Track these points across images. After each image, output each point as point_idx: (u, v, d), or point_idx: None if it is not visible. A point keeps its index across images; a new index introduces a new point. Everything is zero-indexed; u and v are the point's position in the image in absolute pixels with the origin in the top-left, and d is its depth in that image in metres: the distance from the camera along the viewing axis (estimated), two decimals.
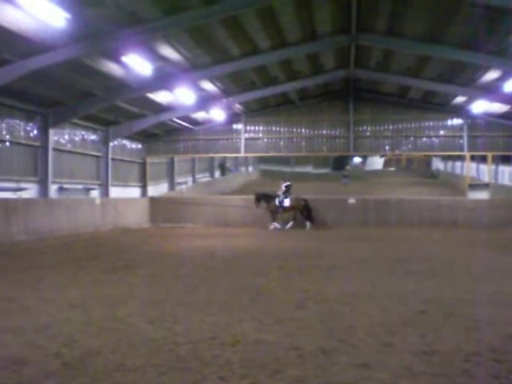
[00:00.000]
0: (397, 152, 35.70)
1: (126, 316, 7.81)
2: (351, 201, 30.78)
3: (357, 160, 77.76)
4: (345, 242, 20.91)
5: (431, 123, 32.96)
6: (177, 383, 5.11)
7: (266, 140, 34.26)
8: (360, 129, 33.24)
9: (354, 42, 22.96)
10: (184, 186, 43.31)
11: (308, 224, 27.86)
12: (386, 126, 33.17)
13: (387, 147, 33.75)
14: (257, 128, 34.33)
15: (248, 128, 34.40)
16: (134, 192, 35.22)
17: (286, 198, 28.03)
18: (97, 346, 6.28)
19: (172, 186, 41.03)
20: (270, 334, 6.81)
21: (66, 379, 5.19)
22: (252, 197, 28.75)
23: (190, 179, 45.88)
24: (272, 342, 6.44)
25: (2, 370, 5.42)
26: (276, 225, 27.85)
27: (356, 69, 27.70)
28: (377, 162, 79.18)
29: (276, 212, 28.06)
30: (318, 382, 5.13)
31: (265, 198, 28.40)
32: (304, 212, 28.17)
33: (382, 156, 73.60)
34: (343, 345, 6.34)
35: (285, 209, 28.03)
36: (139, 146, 35.86)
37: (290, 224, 28.06)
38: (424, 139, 33.07)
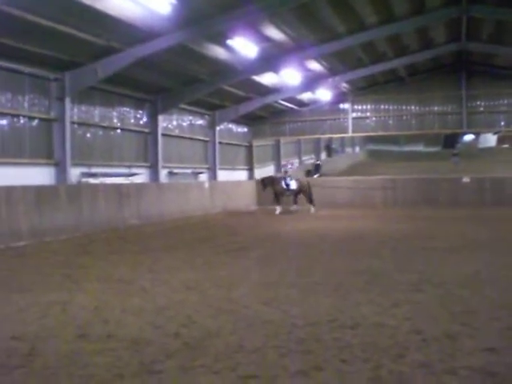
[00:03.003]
0: None
1: (241, 297, 7.82)
2: (465, 180, 29.66)
3: (468, 137, 74.87)
4: (459, 222, 20.24)
5: None
6: (298, 365, 4.99)
7: (374, 119, 33.56)
8: (473, 104, 31.83)
9: (465, 14, 21.98)
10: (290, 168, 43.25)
11: (313, 208, 26.74)
12: (501, 101, 31.51)
13: (502, 123, 32.15)
14: (364, 107, 33.68)
15: (355, 107, 33.81)
16: (241, 175, 35.59)
17: (291, 180, 26.70)
18: (215, 326, 6.29)
19: (278, 168, 41.08)
20: (390, 317, 6.64)
21: (188, 359, 5.20)
22: (269, 181, 27.37)
23: (296, 161, 45.76)
24: (392, 325, 6.28)
25: (125, 350, 5.51)
26: (278, 208, 26.36)
27: (467, 42, 26.54)
28: (490, 139, 75.80)
29: (282, 195, 26.69)
30: (443, 366, 4.92)
31: (270, 181, 27.04)
32: (308, 194, 27.03)
33: (495, 133, 70.46)
34: (467, 329, 6.11)
35: (293, 191, 26.80)
36: (245, 129, 36.13)
37: (295, 207, 26.93)
38: None
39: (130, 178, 23.59)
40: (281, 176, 27.47)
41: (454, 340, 5.69)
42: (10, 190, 15.65)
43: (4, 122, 17.76)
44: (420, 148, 73.16)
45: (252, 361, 5.14)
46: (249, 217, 24.96)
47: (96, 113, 22.03)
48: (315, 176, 26.04)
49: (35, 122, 19.01)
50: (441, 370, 4.82)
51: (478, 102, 31.83)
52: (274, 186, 26.63)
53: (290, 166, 27.57)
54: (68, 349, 5.59)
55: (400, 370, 4.85)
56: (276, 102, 32.11)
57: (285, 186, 26.53)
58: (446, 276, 9.28)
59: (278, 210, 26.24)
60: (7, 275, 10.12)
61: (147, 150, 25.36)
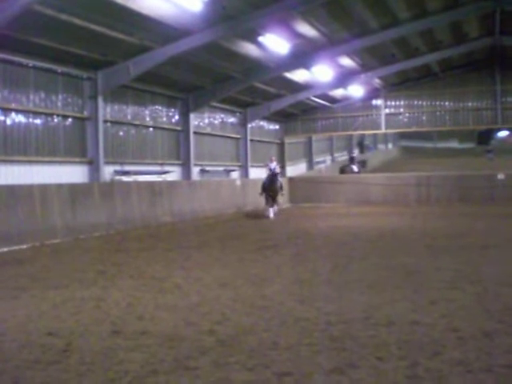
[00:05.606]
0: None
1: (275, 295, 7.78)
2: (500, 176, 29.18)
3: (503, 133, 73.86)
4: (495, 219, 19.90)
5: None
6: (333, 363, 4.93)
7: (407, 115, 33.32)
8: (508, 99, 31.38)
9: (499, 7, 21.65)
10: (323, 165, 43.11)
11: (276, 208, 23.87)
12: None
13: None
14: (397, 103, 33.41)
15: (388, 103, 33.56)
16: None
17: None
18: (249, 324, 6.27)
19: (310, 165, 41.00)
20: (425, 315, 6.55)
21: (222, 356, 5.18)
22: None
23: (328, 158, 45.58)
24: (428, 323, 6.18)
25: (160, 346, 5.52)
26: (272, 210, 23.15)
27: (502, 36, 26.16)
28: None
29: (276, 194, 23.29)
30: (480, 364, 4.83)
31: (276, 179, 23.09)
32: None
33: None
34: (504, 326, 5.97)
35: (281, 190, 23.79)
36: (277, 126, 36.08)
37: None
38: None
39: (163, 175, 23.71)
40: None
41: (490, 338, 5.60)
42: (44, 188, 15.82)
43: (38, 121, 17.98)
44: (454, 144, 72.52)
45: (286, 358, 5.10)
46: (281, 214, 24.85)
47: (128, 111, 22.19)
48: (355, 169, 24.70)
49: (69, 121, 19.22)
50: (478, 368, 4.75)
51: None
52: (275, 184, 23.08)
53: (275, 164, 24.71)
54: (103, 345, 5.62)
55: (437, 367, 4.77)
56: (308, 98, 32.01)
57: (279, 185, 23.54)
58: (483, 273, 9.13)
59: (272, 211, 23.03)
60: (42, 272, 10.23)
61: (179, 147, 25.48)
